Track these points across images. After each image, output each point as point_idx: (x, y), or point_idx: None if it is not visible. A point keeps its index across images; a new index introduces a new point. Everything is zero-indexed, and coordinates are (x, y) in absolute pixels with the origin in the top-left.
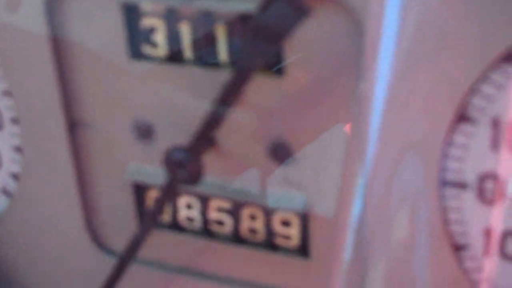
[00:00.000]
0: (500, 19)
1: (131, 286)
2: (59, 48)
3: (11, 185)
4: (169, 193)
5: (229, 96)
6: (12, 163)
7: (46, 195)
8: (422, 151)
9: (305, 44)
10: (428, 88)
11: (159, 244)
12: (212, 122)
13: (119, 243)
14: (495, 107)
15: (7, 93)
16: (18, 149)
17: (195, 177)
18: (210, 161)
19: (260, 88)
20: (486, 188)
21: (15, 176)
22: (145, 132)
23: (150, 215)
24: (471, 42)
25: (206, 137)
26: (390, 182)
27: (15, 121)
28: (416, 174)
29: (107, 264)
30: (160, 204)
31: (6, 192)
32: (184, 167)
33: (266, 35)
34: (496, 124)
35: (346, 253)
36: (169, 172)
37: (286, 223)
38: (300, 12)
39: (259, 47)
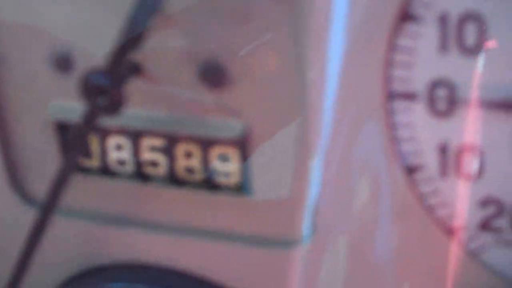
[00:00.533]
0: None
1: (60, 238)
2: None
3: None
4: (89, 124)
5: (145, 10)
6: None
7: None
8: (365, 62)
9: None
10: None
11: (89, 191)
12: (131, 38)
13: (44, 191)
14: (441, 0)
15: None
16: None
17: (116, 104)
18: (136, 91)
19: (184, 2)
20: (437, 97)
21: None
22: (64, 63)
23: (69, 153)
24: None
25: (126, 58)
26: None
27: None
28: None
29: (32, 214)
30: (80, 138)
31: None
32: (104, 93)
33: None
34: (444, 20)
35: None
36: (88, 100)
37: (225, 158)
38: None
39: None
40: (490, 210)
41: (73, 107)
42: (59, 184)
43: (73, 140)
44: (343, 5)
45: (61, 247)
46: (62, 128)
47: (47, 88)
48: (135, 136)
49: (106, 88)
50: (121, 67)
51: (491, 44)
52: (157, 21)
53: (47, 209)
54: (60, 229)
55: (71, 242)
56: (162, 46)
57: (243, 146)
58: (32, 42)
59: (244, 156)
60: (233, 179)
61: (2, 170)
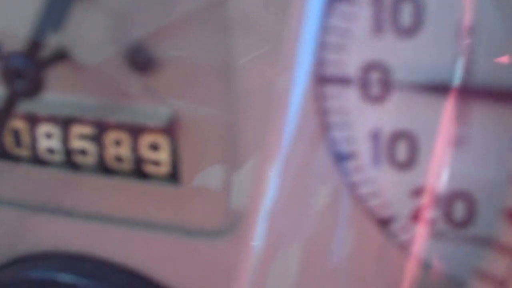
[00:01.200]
0: None
1: None
2: None
3: None
4: (8, 108)
5: None
6: None
7: None
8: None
9: None
10: None
11: (19, 180)
12: (49, 19)
13: None
14: None
15: None
16: None
17: (35, 87)
18: (62, 76)
19: None
20: (371, 82)
21: None
22: None
23: None
24: None
25: (44, 39)
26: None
27: None
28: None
29: None
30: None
31: None
32: (23, 76)
33: None
34: (378, 0)
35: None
36: (6, 83)
37: (154, 147)
38: None
39: None
40: (423, 200)
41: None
42: None
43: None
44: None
45: None
46: None
47: None
48: (64, 124)
49: (24, 71)
50: (43, 51)
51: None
52: (82, 2)
53: None
54: None
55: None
56: (88, 30)
57: (171, 134)
58: None
59: (173, 145)
60: (163, 169)
61: None
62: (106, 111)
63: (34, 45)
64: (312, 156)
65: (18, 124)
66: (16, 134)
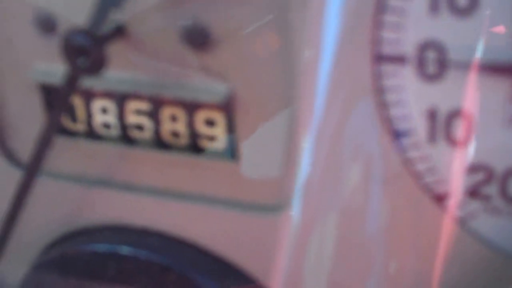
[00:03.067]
0: None
1: (46, 200)
2: None
3: None
4: (71, 85)
5: None
6: None
7: None
8: (353, 24)
9: None
10: None
11: (75, 155)
12: None
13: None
14: None
15: None
16: None
17: (97, 65)
18: (120, 53)
19: None
20: (427, 60)
21: None
22: (47, 25)
23: (52, 113)
24: None
25: (107, 17)
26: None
27: None
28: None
29: (17, 175)
30: (62, 99)
31: None
32: (85, 53)
33: None
34: None
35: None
36: (69, 61)
37: (210, 123)
38: None
39: None
40: (479, 176)
41: (56, 69)
42: (43, 145)
43: (56, 101)
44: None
45: (46, 209)
46: (46, 90)
47: (30, 49)
48: (120, 99)
49: (86, 48)
50: (103, 28)
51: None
52: None
53: (32, 170)
54: (46, 191)
55: (57, 204)
56: (145, 7)
57: (228, 110)
58: (14, 2)
59: (230, 121)
60: (219, 144)
61: None
62: (162, 88)
63: (97, 22)
64: (370, 134)
65: (74, 99)
66: (72, 109)
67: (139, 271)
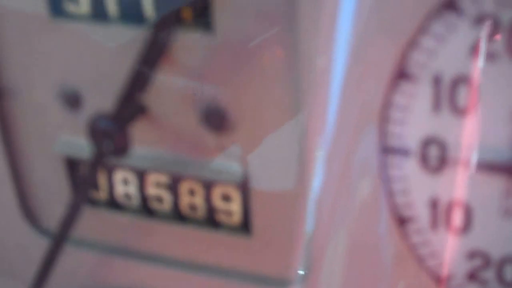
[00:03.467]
0: None
1: (69, 268)
2: None
3: None
4: (96, 165)
5: (152, 54)
6: None
7: None
8: (363, 116)
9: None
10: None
11: (96, 223)
12: (137, 84)
13: (55, 221)
14: (436, 62)
15: None
16: None
17: (122, 148)
18: (141, 131)
19: (189, 47)
20: (430, 155)
21: None
22: (72, 100)
23: (79, 191)
24: None
25: (132, 102)
26: (350, 153)
27: None
28: (372, 144)
29: (43, 244)
30: (88, 178)
31: None
32: (110, 137)
33: None
34: (437, 81)
35: (307, 226)
36: (95, 143)
37: (226, 198)
38: None
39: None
40: (477, 262)
41: (80, 143)
42: (70, 218)
43: (82, 179)
44: (341, 65)
45: (70, 275)
46: (71, 163)
47: (56, 123)
48: (141, 172)
49: (112, 132)
50: (127, 110)
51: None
52: (162, 65)
53: (59, 239)
54: (70, 258)
55: (79, 271)
56: (167, 89)
57: (244, 188)
58: (41, 78)
59: (245, 198)
60: (235, 218)
61: (15, 201)
62: (181, 166)
63: (121, 107)
64: (376, 220)
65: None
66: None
67: None
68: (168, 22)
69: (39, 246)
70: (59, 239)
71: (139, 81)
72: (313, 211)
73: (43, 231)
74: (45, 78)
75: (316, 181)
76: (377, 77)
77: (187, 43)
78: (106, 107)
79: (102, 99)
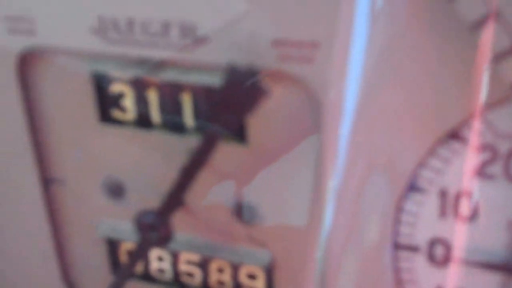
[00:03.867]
0: (445, 103)
1: None
2: (31, 108)
3: None
4: (141, 252)
5: (197, 162)
6: None
7: (22, 248)
8: (377, 216)
9: (266, 115)
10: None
11: None
12: (181, 186)
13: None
14: (442, 179)
15: None
16: None
17: (165, 238)
18: (179, 219)
19: (226, 154)
20: (436, 252)
21: None
22: (116, 191)
23: (122, 273)
24: (421, 121)
25: (175, 200)
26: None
27: None
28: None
29: None
30: (132, 262)
31: None
32: (155, 229)
33: (230, 109)
34: (443, 194)
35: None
36: (141, 234)
37: (252, 276)
38: (261, 91)
39: (223, 119)
40: None
41: (122, 227)
42: None
43: (127, 264)
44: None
45: None
46: (112, 243)
47: (99, 208)
48: (175, 252)
49: (157, 225)
50: (171, 206)
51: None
52: (202, 172)
53: None
54: None
55: None
56: (204, 187)
57: (269, 272)
58: (89, 170)
59: (270, 277)
60: None
61: (58, 277)
62: (212, 249)
63: (168, 206)
64: None
65: (133, 246)
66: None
67: None
68: (212, 141)
69: None
70: None
71: (184, 183)
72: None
73: None
74: (92, 171)
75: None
76: (391, 189)
77: (224, 151)
78: (146, 198)
79: (142, 191)
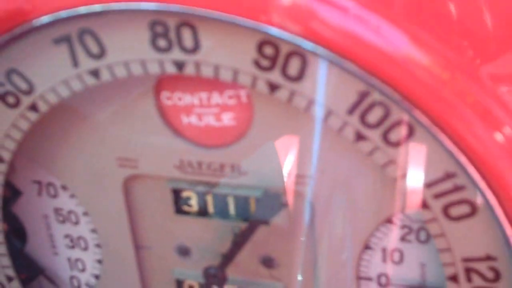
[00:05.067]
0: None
1: None
2: (131, 208)
3: (92, 282)
4: None
5: (242, 238)
6: (93, 269)
7: None
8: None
9: None
10: None
11: None
12: (232, 252)
13: None
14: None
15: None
16: (99, 261)
17: (223, 281)
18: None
19: (260, 234)
20: (381, 280)
21: (96, 277)
22: (184, 252)
23: None
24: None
25: (228, 261)
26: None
27: (97, 245)
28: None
29: None
30: None
31: (90, 286)
32: (217, 277)
33: (264, 212)
34: (383, 250)
35: None
36: (206, 281)
37: None
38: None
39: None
40: None
41: (188, 273)
42: None
43: None
44: None
45: None
46: (178, 282)
47: (173, 264)
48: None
49: (218, 275)
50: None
51: None
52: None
53: None
54: None
55: None
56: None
57: None
58: (166, 240)
59: None
60: None
61: None
62: (245, 283)
63: (225, 264)
64: None
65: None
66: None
67: None
68: (253, 227)
69: None
70: None
71: (235, 249)
72: None
73: None
74: (168, 240)
75: None
76: None
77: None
78: (205, 257)
79: (203, 253)
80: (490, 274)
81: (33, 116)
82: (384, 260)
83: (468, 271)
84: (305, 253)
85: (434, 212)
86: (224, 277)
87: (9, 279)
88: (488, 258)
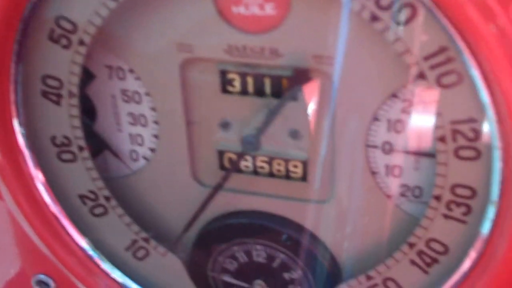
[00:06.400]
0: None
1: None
2: (185, 84)
3: (149, 154)
4: (241, 156)
5: (275, 113)
6: (150, 143)
7: (170, 161)
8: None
9: None
10: None
11: None
12: (266, 125)
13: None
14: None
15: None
16: (156, 136)
17: (256, 148)
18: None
19: (290, 109)
20: (386, 148)
21: (152, 150)
22: (226, 126)
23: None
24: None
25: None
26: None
27: (155, 122)
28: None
29: (203, 193)
30: (235, 163)
31: (146, 158)
32: (253, 144)
33: (294, 89)
34: (389, 121)
35: None
36: (243, 147)
37: (295, 166)
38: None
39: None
40: None
41: (228, 145)
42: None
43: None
44: None
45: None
46: (220, 153)
47: (215, 136)
48: (254, 155)
49: (253, 142)
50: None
51: None
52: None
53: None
54: None
55: None
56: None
57: (305, 164)
58: (211, 114)
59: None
60: None
61: (190, 172)
62: (273, 153)
63: (261, 131)
64: None
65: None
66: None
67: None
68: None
69: (200, 196)
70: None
71: (269, 121)
72: None
73: (205, 185)
74: (213, 115)
75: None
76: None
77: None
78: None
79: (243, 125)
80: (471, 134)
81: (112, 4)
82: (388, 130)
83: (454, 132)
84: (325, 126)
85: (430, 81)
86: (258, 145)
87: (80, 148)
88: (471, 120)
